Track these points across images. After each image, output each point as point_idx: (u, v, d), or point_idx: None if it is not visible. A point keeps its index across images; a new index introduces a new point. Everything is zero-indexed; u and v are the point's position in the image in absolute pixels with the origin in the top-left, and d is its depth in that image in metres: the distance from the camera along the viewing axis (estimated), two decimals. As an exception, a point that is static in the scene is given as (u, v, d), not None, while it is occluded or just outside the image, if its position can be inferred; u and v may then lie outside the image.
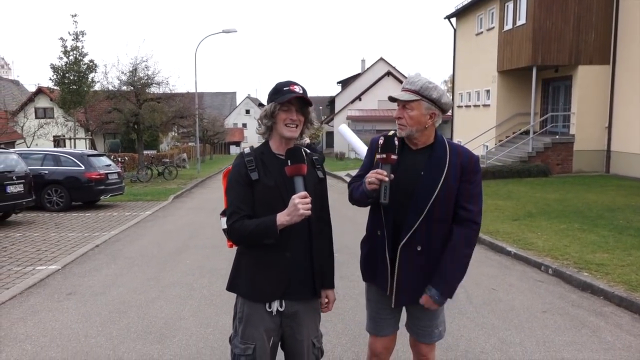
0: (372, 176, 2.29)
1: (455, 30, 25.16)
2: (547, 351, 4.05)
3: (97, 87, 22.56)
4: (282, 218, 2.16)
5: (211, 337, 4.38)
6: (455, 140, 24.57)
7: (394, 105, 2.47)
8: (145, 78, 22.62)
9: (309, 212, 2.14)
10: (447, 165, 2.38)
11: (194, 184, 20.10)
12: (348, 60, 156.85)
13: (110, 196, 13.54)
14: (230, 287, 2.40)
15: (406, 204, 2.38)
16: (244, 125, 72.34)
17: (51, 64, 21.17)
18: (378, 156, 2.35)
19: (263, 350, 2.31)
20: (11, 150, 12.28)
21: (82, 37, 21.37)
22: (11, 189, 9.97)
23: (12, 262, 7.13)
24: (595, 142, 17.23)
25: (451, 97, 27.67)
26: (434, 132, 2.46)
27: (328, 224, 2.50)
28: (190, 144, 43.74)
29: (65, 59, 21.20)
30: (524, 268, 6.63)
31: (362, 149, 3.26)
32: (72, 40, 21.20)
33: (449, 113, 28.88)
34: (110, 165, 13.85)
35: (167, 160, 28.05)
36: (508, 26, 19.12)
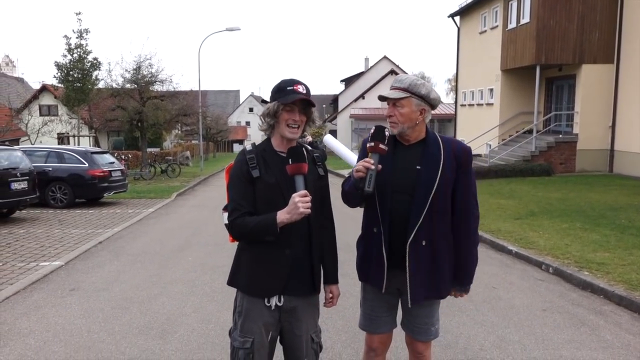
0: (359, 164, 2.32)
1: (459, 28, 25.12)
2: (545, 349, 4.07)
3: (101, 84, 22.61)
4: (282, 216, 2.19)
5: (212, 333, 4.41)
6: (459, 139, 24.51)
7: None
8: (149, 76, 22.69)
9: (309, 210, 2.17)
10: (442, 158, 2.43)
11: (196, 182, 20.15)
12: (351, 58, 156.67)
13: (114, 193, 13.60)
14: (231, 282, 2.44)
15: (404, 200, 2.41)
16: (247, 123, 72.37)
17: (55, 62, 21.21)
18: (368, 144, 2.38)
19: (261, 344, 2.34)
20: (15, 147, 12.34)
21: (86, 35, 21.40)
22: (15, 186, 10.03)
23: (16, 258, 7.19)
24: (598, 141, 17.18)
25: (455, 96, 27.70)
26: (425, 127, 2.51)
27: (330, 220, 2.53)
28: (193, 141, 43.80)
29: (69, 57, 21.24)
30: (525, 267, 6.64)
31: (350, 156, 3.27)
32: (77, 38, 21.23)
33: (452, 111, 28.89)
34: (113, 162, 13.89)
35: (170, 158, 28.09)
36: (512, 25, 19.08)
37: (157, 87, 23.41)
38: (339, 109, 45.10)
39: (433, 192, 2.39)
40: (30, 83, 42.98)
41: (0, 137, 20.78)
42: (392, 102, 2.43)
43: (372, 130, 2.38)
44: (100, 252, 7.65)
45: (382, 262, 2.47)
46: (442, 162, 2.42)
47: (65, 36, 21.11)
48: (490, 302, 5.19)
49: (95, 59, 21.69)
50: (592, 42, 16.95)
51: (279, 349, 2.48)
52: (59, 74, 21.40)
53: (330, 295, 2.54)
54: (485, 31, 21.95)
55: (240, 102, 78.54)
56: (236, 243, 2.47)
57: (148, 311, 4.98)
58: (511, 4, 19.16)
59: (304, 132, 2.42)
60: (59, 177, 12.43)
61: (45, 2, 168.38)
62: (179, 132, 40.19)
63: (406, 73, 45.13)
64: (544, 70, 18.42)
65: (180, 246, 8.02)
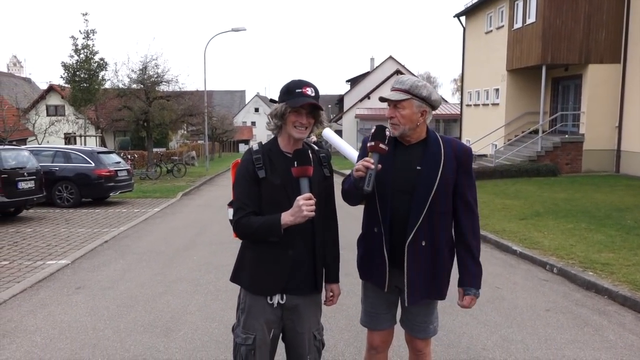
0: (359, 163, 2.32)
1: (464, 28, 25.06)
2: (548, 349, 4.07)
3: (107, 85, 22.73)
4: (286, 218, 2.21)
5: (216, 331, 4.45)
6: (464, 139, 24.49)
7: None
8: (155, 76, 22.78)
9: (313, 213, 2.19)
10: (442, 158, 2.43)
11: (202, 182, 20.23)
12: (357, 58, 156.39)
13: (120, 193, 13.68)
14: (234, 279, 2.47)
15: (405, 200, 2.42)
16: (253, 123, 72.49)
17: (62, 62, 21.33)
18: (368, 144, 2.38)
19: (263, 341, 2.36)
20: (23, 147, 12.44)
21: (93, 35, 21.51)
22: (23, 185, 10.12)
23: (23, 256, 7.25)
24: (605, 141, 17.09)
25: (460, 96, 27.62)
26: (425, 127, 2.51)
27: (334, 220, 2.55)
28: (199, 141, 43.94)
29: (76, 57, 21.36)
30: (529, 267, 6.63)
31: (349, 151, 3.25)
32: (83, 38, 21.34)
33: (458, 112, 28.81)
34: (119, 162, 13.98)
35: (176, 158, 28.24)
36: (518, 25, 19.01)
37: (163, 87, 23.52)
38: (345, 109, 45.10)
39: (433, 192, 2.39)
40: (38, 83, 43.20)
41: (7, 137, 20.93)
42: (393, 103, 2.43)
43: (372, 130, 2.39)
44: (106, 251, 7.71)
45: (384, 262, 2.48)
46: (442, 163, 2.42)
47: (72, 37, 21.23)
48: (494, 302, 5.19)
49: (101, 59, 21.80)
50: (599, 41, 16.87)
51: (281, 347, 2.50)
52: (65, 74, 21.53)
53: (331, 294, 2.56)
54: (491, 31, 21.89)
55: (246, 102, 78.67)
56: (242, 241, 2.50)
57: (153, 309, 5.02)
58: (517, 4, 19.09)
59: (310, 133, 2.44)
60: (66, 176, 12.53)
61: (53, 3, 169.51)
62: (185, 132, 40.32)
63: (412, 73, 44.92)
64: (550, 70, 18.35)
65: (185, 245, 8.07)
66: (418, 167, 2.42)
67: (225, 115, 48.41)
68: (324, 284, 2.52)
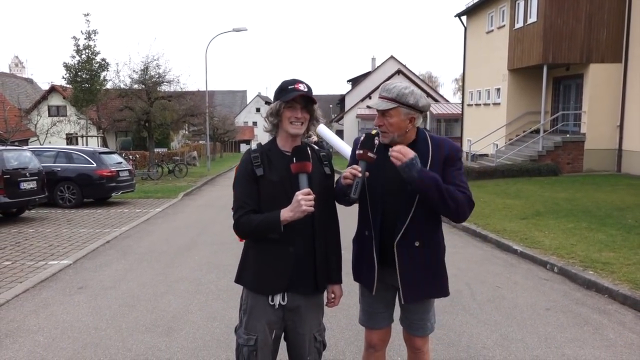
0: (347, 171, 2.34)
1: (465, 28, 25.06)
2: (548, 347, 4.08)
3: (108, 85, 22.78)
4: (285, 214, 2.23)
5: (217, 330, 4.47)
6: (465, 139, 24.49)
7: None
8: (157, 76, 22.82)
9: (312, 208, 2.20)
10: (430, 157, 2.43)
11: (203, 182, 20.26)
12: (358, 58, 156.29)
13: (121, 193, 13.72)
14: (238, 279, 2.49)
15: (395, 201, 2.44)
16: (254, 123, 72.53)
17: (64, 63, 21.40)
18: (357, 152, 2.40)
19: (265, 342, 2.38)
20: (25, 147, 12.48)
21: (95, 36, 21.56)
22: (25, 186, 10.16)
23: (25, 256, 7.29)
24: (606, 141, 17.07)
25: (462, 96, 27.60)
26: (415, 130, 2.50)
27: (335, 219, 2.56)
28: (200, 142, 44.01)
29: (77, 58, 21.42)
30: (530, 266, 6.64)
31: (343, 147, 3.27)
32: (85, 39, 21.40)
33: (459, 111, 28.79)
34: (121, 162, 14.01)
35: (178, 158, 28.27)
36: (519, 24, 19.01)
37: (165, 88, 23.55)
38: (346, 109, 45.12)
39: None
40: (40, 84, 43.28)
41: (10, 138, 20.99)
42: (381, 112, 2.42)
43: (362, 138, 2.40)
44: (107, 251, 7.74)
45: (373, 265, 2.50)
46: (429, 162, 2.42)
47: (74, 37, 21.29)
48: (494, 301, 5.20)
49: (103, 59, 21.86)
50: (600, 41, 16.85)
51: (282, 347, 2.52)
52: (67, 74, 21.59)
53: (333, 295, 2.56)
54: (492, 31, 21.89)
55: (247, 102, 78.73)
56: (244, 242, 2.52)
57: (154, 309, 5.04)
58: (518, 4, 19.09)
59: (309, 132, 2.46)
60: (68, 177, 12.56)
61: (54, 3, 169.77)
62: (186, 132, 40.35)
63: (413, 73, 44.83)
64: (551, 70, 18.34)
65: (186, 245, 8.09)
66: None
67: (226, 116, 48.50)
68: (326, 285, 2.53)
